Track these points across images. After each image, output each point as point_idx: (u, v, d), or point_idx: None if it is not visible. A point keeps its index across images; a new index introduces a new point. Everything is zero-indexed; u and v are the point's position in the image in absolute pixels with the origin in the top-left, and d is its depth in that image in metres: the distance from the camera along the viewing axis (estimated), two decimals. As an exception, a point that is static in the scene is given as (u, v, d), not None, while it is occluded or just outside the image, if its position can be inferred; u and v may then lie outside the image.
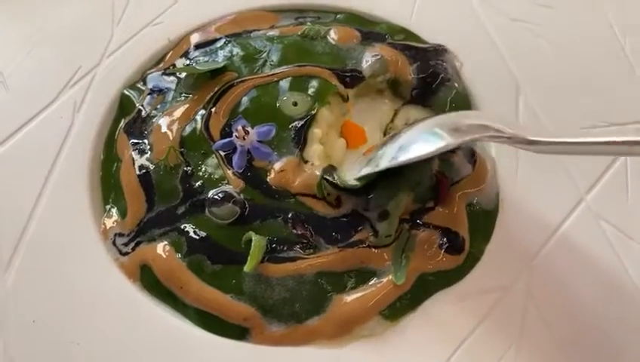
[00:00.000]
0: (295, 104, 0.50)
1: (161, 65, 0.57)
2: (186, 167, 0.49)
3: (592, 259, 0.45)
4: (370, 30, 0.58)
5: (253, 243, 0.44)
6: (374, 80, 0.54)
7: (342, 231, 0.46)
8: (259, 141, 0.48)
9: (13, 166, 0.51)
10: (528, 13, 0.59)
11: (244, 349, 0.43)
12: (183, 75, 0.54)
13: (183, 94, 0.53)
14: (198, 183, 0.48)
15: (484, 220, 0.47)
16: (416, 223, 0.46)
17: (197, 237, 0.46)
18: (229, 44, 0.56)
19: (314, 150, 0.49)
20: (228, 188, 0.47)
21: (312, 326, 0.43)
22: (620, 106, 0.52)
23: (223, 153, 0.49)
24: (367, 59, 0.54)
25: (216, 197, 0.46)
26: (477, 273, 0.45)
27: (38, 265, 0.46)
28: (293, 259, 0.44)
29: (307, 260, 0.44)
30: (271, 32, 0.57)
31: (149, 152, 0.50)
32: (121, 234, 0.48)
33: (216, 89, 0.52)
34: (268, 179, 0.47)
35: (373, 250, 0.45)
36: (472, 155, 0.50)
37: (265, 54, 0.54)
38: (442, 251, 0.45)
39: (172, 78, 0.55)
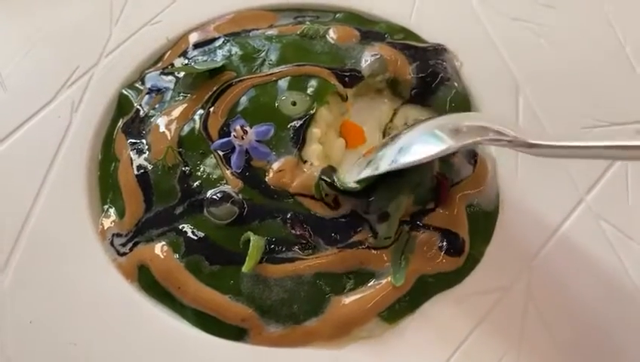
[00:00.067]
0: (294, 103, 0.50)
1: (159, 65, 0.57)
2: (185, 166, 0.48)
3: (592, 259, 0.45)
4: (370, 29, 0.58)
5: (251, 244, 0.43)
6: (373, 79, 0.54)
7: (341, 232, 0.45)
8: (257, 141, 0.47)
9: (10, 166, 0.51)
10: (528, 13, 0.58)
11: (242, 350, 0.42)
12: (182, 74, 0.54)
13: (182, 94, 0.53)
14: (197, 183, 0.47)
15: (484, 221, 0.47)
16: (416, 225, 0.46)
17: (195, 238, 0.45)
18: (228, 44, 0.56)
19: (313, 150, 0.49)
20: (226, 188, 0.47)
21: (310, 327, 0.43)
22: (619, 106, 0.52)
23: (221, 153, 0.48)
24: (367, 59, 0.54)
25: (214, 197, 0.46)
26: (476, 274, 0.45)
27: (35, 266, 0.46)
28: (291, 260, 0.44)
29: (306, 261, 0.44)
30: (270, 32, 0.57)
31: (147, 152, 0.50)
32: (119, 235, 0.48)
33: (214, 88, 0.52)
34: (266, 179, 0.47)
35: (373, 251, 0.45)
36: (472, 156, 0.49)
37: (264, 54, 0.54)
38: (442, 253, 0.45)
39: (170, 77, 0.54)
